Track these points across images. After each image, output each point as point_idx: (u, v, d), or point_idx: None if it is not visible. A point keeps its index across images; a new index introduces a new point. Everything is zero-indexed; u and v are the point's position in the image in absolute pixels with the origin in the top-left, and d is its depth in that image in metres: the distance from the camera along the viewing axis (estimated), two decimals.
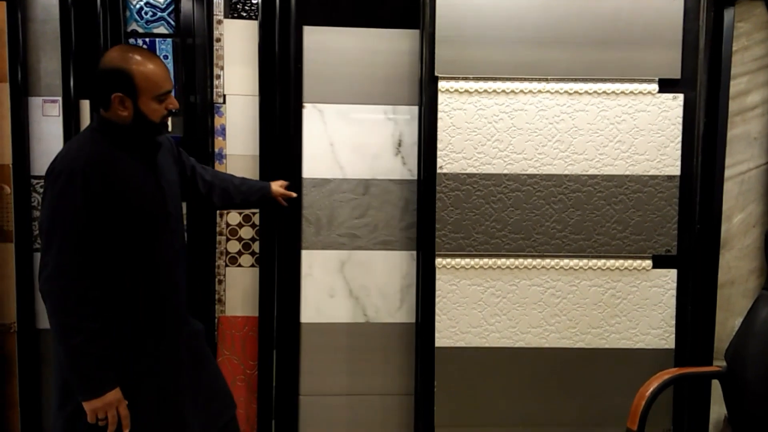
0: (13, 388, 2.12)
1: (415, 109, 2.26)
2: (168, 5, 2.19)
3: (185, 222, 2.13)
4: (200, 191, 1.92)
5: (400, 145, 2.28)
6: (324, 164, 2.26)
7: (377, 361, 2.33)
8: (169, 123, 2.10)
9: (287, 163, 2.24)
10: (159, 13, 2.19)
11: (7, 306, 2.09)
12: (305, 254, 2.27)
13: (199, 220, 2.29)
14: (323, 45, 2.24)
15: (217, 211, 2.31)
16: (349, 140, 2.26)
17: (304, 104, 2.23)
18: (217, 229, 2.31)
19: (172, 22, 2.20)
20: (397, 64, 2.26)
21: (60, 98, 2.10)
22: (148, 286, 1.61)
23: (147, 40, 2.19)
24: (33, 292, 2.13)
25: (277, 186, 2.11)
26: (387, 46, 2.25)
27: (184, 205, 1.98)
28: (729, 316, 2.33)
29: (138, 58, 1.54)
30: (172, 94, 1.62)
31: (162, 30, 2.20)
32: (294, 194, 2.15)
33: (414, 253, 2.29)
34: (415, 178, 2.27)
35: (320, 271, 2.28)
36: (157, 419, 1.62)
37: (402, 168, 2.28)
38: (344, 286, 2.30)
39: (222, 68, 2.24)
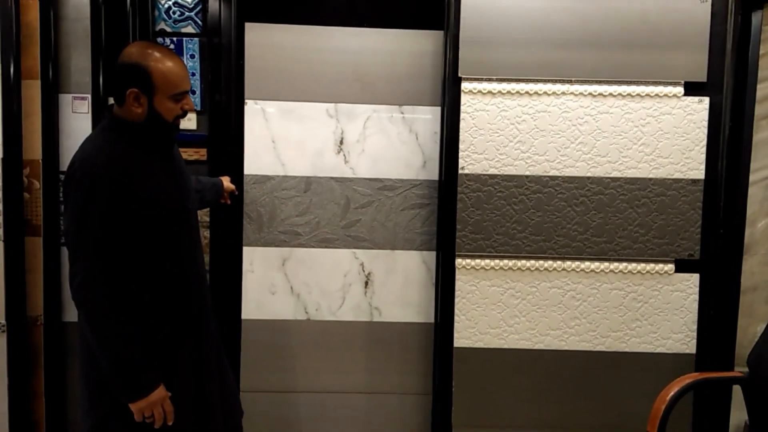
0: (39, 379, 2.16)
1: (359, 107, 2.27)
2: (195, 5, 2.22)
3: None
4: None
5: (341, 143, 2.28)
6: (266, 161, 2.26)
7: (317, 358, 2.35)
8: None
9: (229, 159, 2.24)
10: (186, 13, 2.22)
11: (35, 299, 2.13)
12: (246, 251, 2.28)
13: None
14: (265, 42, 2.24)
15: None
16: (291, 137, 2.27)
17: (246, 101, 2.25)
18: None
19: (200, 22, 2.23)
20: (339, 63, 2.26)
21: (89, 95, 2.13)
22: (177, 281, 1.62)
23: (174, 39, 2.22)
24: (60, 285, 2.16)
25: (227, 182, 2.10)
26: (331, 44, 2.25)
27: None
28: (751, 322, 2.30)
29: (157, 54, 1.52)
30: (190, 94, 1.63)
31: (189, 29, 2.23)
32: (236, 191, 2.15)
33: (354, 251, 2.31)
34: (356, 176, 2.28)
35: (261, 267, 2.29)
36: (193, 408, 1.64)
37: (344, 166, 2.29)
38: (285, 284, 2.31)
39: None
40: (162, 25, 2.23)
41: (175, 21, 2.23)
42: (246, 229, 2.28)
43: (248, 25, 2.24)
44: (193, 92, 2.23)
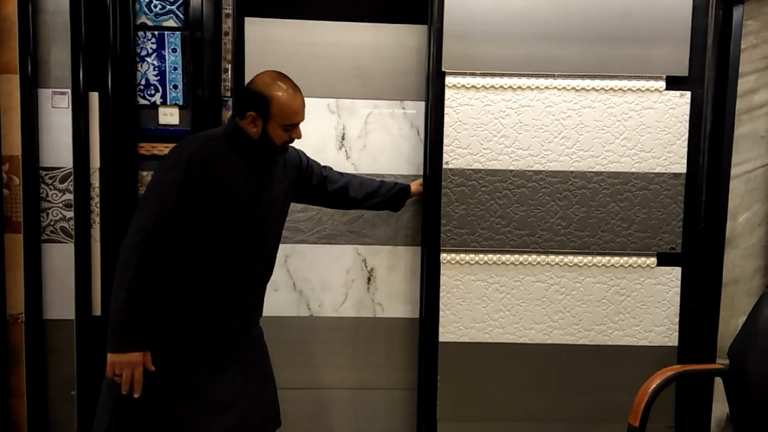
0: (20, 378, 2.13)
1: (360, 102, 2.27)
2: None
3: None
4: (332, 195, 2.04)
5: (343, 138, 2.28)
6: None
7: (322, 354, 2.34)
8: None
9: None
10: (168, 6, 2.20)
11: (15, 296, 2.10)
12: None
13: None
14: (264, 37, 2.24)
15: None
16: None
17: None
18: None
19: (182, 16, 2.20)
20: (338, 57, 2.25)
21: (69, 90, 2.10)
22: (212, 280, 1.68)
23: (156, 33, 2.20)
24: (41, 282, 2.14)
25: (417, 186, 2.21)
26: (331, 39, 2.25)
27: None
28: (733, 315, 2.33)
29: (283, 87, 1.68)
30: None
31: (171, 23, 2.21)
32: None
33: (357, 247, 2.32)
34: (358, 171, 2.27)
35: None
36: (163, 411, 1.67)
37: (345, 162, 2.29)
38: (288, 280, 2.31)
39: (230, 62, 2.24)
40: (143, 19, 2.20)
41: (157, 14, 2.20)
42: None
43: (248, 20, 2.22)
44: (175, 87, 2.21)
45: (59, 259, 2.15)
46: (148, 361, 1.61)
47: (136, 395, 1.60)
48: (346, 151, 2.29)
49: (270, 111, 1.67)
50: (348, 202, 2.09)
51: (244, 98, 1.72)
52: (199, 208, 1.62)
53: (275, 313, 2.29)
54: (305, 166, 1.97)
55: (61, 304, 2.16)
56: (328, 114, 2.28)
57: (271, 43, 2.25)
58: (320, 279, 2.32)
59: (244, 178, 1.70)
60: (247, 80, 2.19)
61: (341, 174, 2.10)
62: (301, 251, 2.31)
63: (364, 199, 2.10)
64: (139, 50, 2.20)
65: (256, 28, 2.24)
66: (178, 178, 1.59)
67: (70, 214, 2.14)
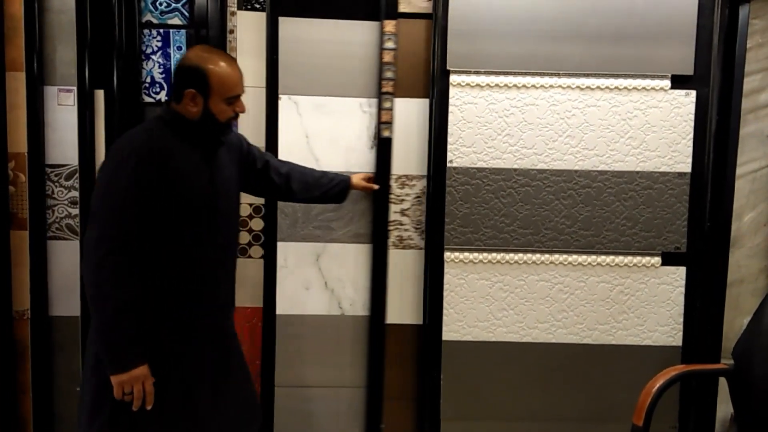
0: (26, 374, 2.15)
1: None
2: None
3: None
4: (275, 183, 1.96)
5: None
6: (299, 156, 2.23)
7: (352, 353, 2.33)
8: None
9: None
10: (173, 4, 2.21)
11: (21, 293, 2.12)
12: (281, 246, 2.26)
13: None
14: (297, 36, 2.22)
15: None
16: (324, 132, 2.25)
17: (280, 96, 2.23)
18: None
19: (187, 13, 2.21)
20: (368, 56, 2.24)
21: (75, 88, 2.11)
22: (185, 277, 1.63)
23: (161, 30, 2.21)
24: (46, 279, 2.16)
25: (358, 179, 2.13)
26: (360, 38, 2.23)
27: None
28: (738, 315, 2.32)
29: (216, 59, 1.60)
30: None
31: (176, 21, 2.21)
32: (376, 186, 2.17)
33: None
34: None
35: (295, 263, 2.28)
36: (172, 408, 1.64)
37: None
38: (320, 279, 2.30)
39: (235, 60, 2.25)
40: (148, 17, 2.21)
41: (162, 12, 2.21)
42: (280, 224, 2.26)
43: (281, 20, 2.21)
44: None
45: (65, 256, 2.16)
46: (149, 373, 1.57)
47: (148, 407, 1.57)
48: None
49: (210, 84, 1.59)
50: (289, 192, 2.02)
51: (179, 77, 1.62)
52: (156, 204, 1.56)
53: (307, 312, 2.29)
54: (246, 149, 1.90)
55: (66, 301, 2.17)
56: (360, 113, 2.26)
57: (305, 43, 2.23)
58: (351, 278, 2.31)
59: (195, 165, 1.63)
60: (282, 80, 2.21)
61: (283, 162, 2.04)
62: (332, 250, 2.30)
63: (305, 189, 2.03)
64: (144, 48, 2.21)
65: (289, 27, 2.22)
66: (128, 180, 1.52)
67: (76, 211, 2.15)
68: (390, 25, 2.18)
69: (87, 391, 1.63)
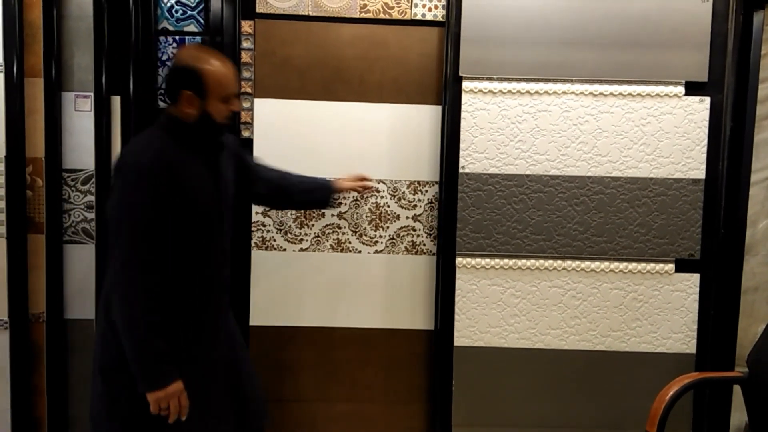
0: (41, 376, 2.16)
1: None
2: (198, 4, 2.23)
3: None
4: (260, 191, 1.94)
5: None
6: None
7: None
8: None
9: None
10: (189, 12, 2.23)
11: (37, 296, 2.13)
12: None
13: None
14: None
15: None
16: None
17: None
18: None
19: (202, 21, 2.24)
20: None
21: (92, 94, 2.14)
22: (197, 283, 1.65)
23: (177, 38, 2.23)
24: (62, 282, 2.17)
25: (343, 181, 2.03)
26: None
27: None
28: (752, 323, 2.30)
29: (209, 58, 1.60)
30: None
31: (192, 28, 2.24)
32: (369, 184, 2.06)
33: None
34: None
35: None
36: (194, 409, 1.66)
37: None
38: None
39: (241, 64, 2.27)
40: (164, 24, 2.24)
41: (178, 20, 2.24)
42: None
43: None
44: None
45: (80, 259, 2.18)
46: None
47: (183, 418, 1.59)
48: None
49: (205, 84, 1.58)
50: (280, 192, 1.96)
51: (174, 78, 1.61)
52: (170, 218, 1.56)
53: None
54: (238, 149, 1.89)
55: (81, 304, 2.18)
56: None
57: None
58: None
59: (200, 171, 1.64)
60: None
61: (271, 168, 1.98)
62: None
63: (290, 194, 1.96)
64: (160, 55, 2.24)
65: None
66: (145, 200, 1.53)
67: (92, 215, 2.17)
68: (246, 26, 2.21)
69: (97, 395, 1.65)
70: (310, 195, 1.98)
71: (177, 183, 1.57)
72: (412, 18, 2.23)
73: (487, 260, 2.20)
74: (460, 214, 2.19)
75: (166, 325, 1.57)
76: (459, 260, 2.20)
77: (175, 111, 1.62)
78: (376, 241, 2.30)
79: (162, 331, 1.55)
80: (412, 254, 2.30)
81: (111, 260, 1.57)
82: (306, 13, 2.23)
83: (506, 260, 2.21)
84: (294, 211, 2.29)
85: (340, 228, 2.31)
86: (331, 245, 2.30)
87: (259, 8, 2.23)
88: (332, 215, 2.29)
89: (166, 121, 1.64)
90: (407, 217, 2.28)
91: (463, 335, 2.22)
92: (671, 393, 1.74)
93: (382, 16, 2.24)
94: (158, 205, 1.54)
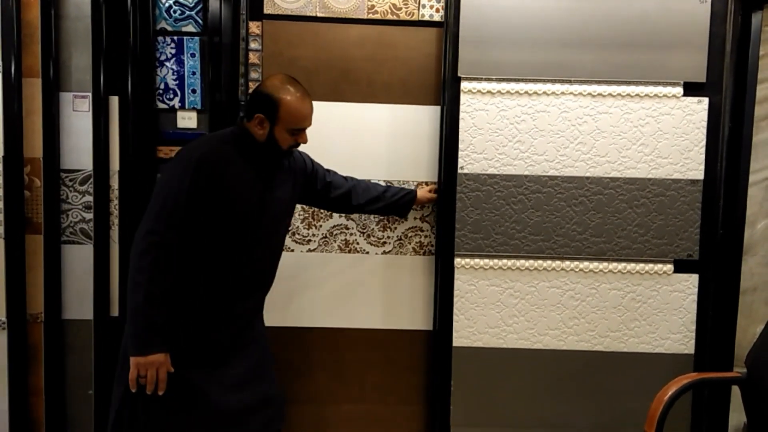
0: (39, 376, 2.16)
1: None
2: (196, 4, 2.22)
3: None
4: (333, 202, 2.06)
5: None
6: None
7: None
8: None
9: None
10: (187, 12, 2.23)
11: (35, 296, 2.13)
12: None
13: None
14: None
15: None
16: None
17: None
18: None
19: (200, 21, 2.23)
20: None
21: (90, 94, 2.13)
22: (221, 277, 1.72)
23: (175, 38, 2.23)
24: (60, 283, 2.17)
25: (423, 192, 2.21)
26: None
27: None
28: (751, 323, 2.30)
29: (292, 90, 1.70)
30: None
31: (190, 28, 2.24)
32: (435, 196, 2.22)
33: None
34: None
35: None
36: (183, 405, 1.72)
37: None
38: None
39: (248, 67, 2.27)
40: (163, 24, 2.23)
41: (176, 20, 2.23)
42: None
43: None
44: (193, 91, 2.24)
45: (78, 260, 2.18)
46: (168, 362, 1.66)
47: (160, 393, 1.65)
48: None
49: (278, 114, 1.69)
50: (350, 207, 2.11)
51: (253, 100, 1.74)
52: (205, 211, 1.66)
53: None
54: (310, 171, 1.99)
55: (79, 305, 2.18)
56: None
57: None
58: None
59: (249, 182, 1.73)
60: None
61: (345, 179, 2.11)
62: None
63: (367, 203, 2.11)
64: (158, 55, 2.23)
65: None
66: (187, 182, 1.63)
67: (90, 215, 2.17)
68: (254, 27, 2.21)
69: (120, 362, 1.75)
70: (395, 204, 2.15)
71: (219, 182, 1.66)
72: (420, 19, 2.23)
73: (486, 261, 2.20)
74: (458, 214, 2.19)
75: (169, 301, 1.64)
76: (458, 261, 2.20)
77: (248, 126, 1.73)
78: (384, 242, 2.30)
79: (160, 303, 1.62)
80: (420, 255, 2.30)
81: (139, 228, 1.66)
82: (314, 14, 2.23)
83: (505, 261, 2.20)
84: (301, 213, 2.30)
85: (347, 229, 2.30)
86: (338, 246, 2.30)
87: (267, 9, 2.23)
88: (339, 216, 2.29)
89: (237, 131, 1.76)
90: (415, 218, 2.29)
91: (462, 336, 2.22)
92: (670, 393, 1.74)
93: (389, 17, 2.23)
94: (194, 194, 1.63)
